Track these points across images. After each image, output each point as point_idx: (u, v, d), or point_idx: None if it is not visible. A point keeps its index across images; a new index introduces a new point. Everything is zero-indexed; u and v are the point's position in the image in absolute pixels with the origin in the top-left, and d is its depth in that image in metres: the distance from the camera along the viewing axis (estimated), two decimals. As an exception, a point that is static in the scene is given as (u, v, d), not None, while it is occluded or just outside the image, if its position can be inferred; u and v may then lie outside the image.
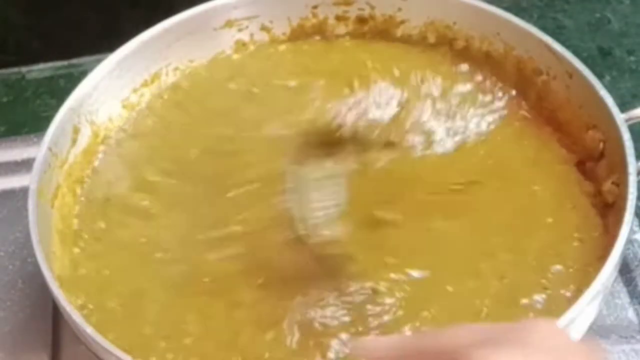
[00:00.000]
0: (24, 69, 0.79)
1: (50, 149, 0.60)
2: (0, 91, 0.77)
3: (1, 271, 0.64)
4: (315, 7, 0.69)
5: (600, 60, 0.76)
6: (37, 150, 0.59)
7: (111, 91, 0.65)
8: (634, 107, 0.60)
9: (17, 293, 0.63)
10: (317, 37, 0.70)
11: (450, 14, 0.67)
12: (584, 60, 0.67)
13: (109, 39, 0.66)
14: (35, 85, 0.78)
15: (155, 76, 0.67)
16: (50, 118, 0.61)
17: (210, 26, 0.68)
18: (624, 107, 0.59)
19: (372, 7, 0.69)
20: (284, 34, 0.70)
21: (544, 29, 0.73)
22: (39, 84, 0.78)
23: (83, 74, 0.64)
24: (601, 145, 0.59)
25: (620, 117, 0.58)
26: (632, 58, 0.76)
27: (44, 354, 0.59)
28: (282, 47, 0.70)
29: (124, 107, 0.66)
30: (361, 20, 0.69)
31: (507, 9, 0.77)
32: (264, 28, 0.70)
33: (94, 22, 0.83)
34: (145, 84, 0.67)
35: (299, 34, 0.70)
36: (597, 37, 0.78)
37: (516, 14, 0.77)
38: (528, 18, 0.78)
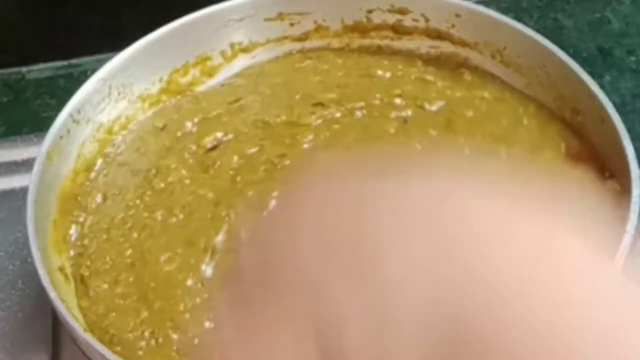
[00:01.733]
0: (24, 69, 0.79)
1: (71, 115, 0.60)
2: (0, 91, 0.77)
3: (1, 271, 0.64)
4: (370, 11, 0.69)
5: (600, 60, 0.76)
6: (38, 151, 0.59)
7: (150, 67, 0.65)
8: (634, 107, 0.60)
9: (17, 293, 0.63)
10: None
11: (501, 37, 0.65)
12: (584, 61, 0.67)
13: (109, 39, 0.67)
14: (35, 85, 0.78)
15: (198, 59, 0.68)
16: (51, 118, 0.61)
17: (260, 16, 0.68)
18: (624, 107, 0.59)
19: (427, 20, 0.68)
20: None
21: (544, 29, 0.74)
22: (39, 84, 0.78)
23: (83, 74, 0.65)
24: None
25: (637, 172, 0.55)
26: (632, 58, 0.76)
27: (44, 354, 0.59)
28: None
29: (160, 85, 0.66)
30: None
31: (507, 9, 0.78)
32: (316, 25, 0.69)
33: (94, 22, 0.83)
34: (186, 66, 0.67)
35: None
36: (597, 37, 0.78)
37: (516, 14, 0.77)
38: (528, 18, 0.79)
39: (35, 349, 0.60)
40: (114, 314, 0.55)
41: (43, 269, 0.53)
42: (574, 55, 0.62)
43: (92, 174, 0.62)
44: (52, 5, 0.83)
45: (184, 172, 0.62)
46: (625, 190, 0.56)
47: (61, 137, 0.60)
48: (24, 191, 0.58)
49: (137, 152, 0.64)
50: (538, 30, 0.64)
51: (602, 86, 0.59)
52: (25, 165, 0.68)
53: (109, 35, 0.67)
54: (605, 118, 0.59)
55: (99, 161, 0.63)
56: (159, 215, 0.59)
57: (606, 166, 0.59)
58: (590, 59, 0.76)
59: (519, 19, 0.67)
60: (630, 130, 0.57)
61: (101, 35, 0.80)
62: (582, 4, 0.81)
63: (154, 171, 0.62)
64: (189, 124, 0.65)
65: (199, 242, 0.57)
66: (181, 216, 0.59)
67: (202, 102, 0.67)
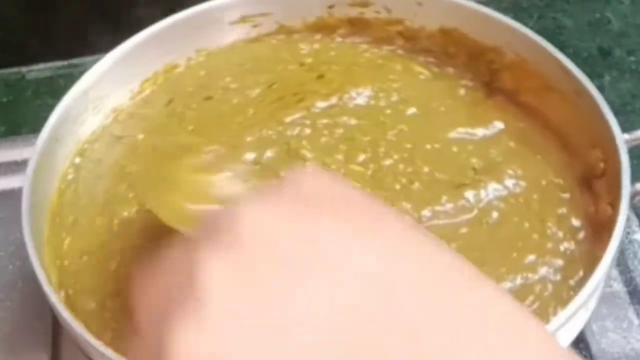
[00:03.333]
0: (24, 69, 0.79)
1: (53, 132, 0.60)
2: (0, 91, 0.78)
3: (1, 271, 0.64)
4: (331, 6, 0.69)
5: (600, 60, 0.76)
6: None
7: (121, 80, 0.65)
8: (634, 107, 0.60)
9: (17, 293, 0.63)
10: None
11: (464, 22, 0.66)
12: (584, 61, 0.67)
13: (109, 39, 0.66)
14: (35, 85, 0.78)
15: (167, 68, 0.67)
16: (51, 118, 0.61)
17: (226, 20, 0.68)
18: (624, 107, 0.59)
19: (389, 11, 0.68)
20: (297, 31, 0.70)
21: (544, 29, 0.74)
22: (39, 84, 0.78)
23: (83, 74, 0.64)
24: (602, 165, 0.58)
25: (621, 137, 0.56)
26: (632, 58, 0.76)
27: (44, 354, 0.59)
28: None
29: (131, 97, 0.66)
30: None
31: (507, 9, 0.78)
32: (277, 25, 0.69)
33: (94, 22, 0.83)
34: (155, 75, 0.67)
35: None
36: (597, 37, 0.78)
37: (516, 14, 0.78)
38: (528, 18, 0.79)
39: (35, 349, 0.60)
40: (109, 334, 0.54)
41: (49, 289, 0.52)
42: (574, 55, 0.62)
43: (67, 192, 0.61)
44: (52, 5, 0.83)
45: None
46: (608, 159, 0.57)
47: (45, 156, 0.59)
48: (24, 191, 0.58)
49: (96, 176, 0.62)
50: (538, 31, 0.64)
51: (602, 86, 0.60)
52: (25, 165, 0.68)
53: (109, 35, 0.67)
54: (581, 90, 0.59)
55: (70, 177, 0.62)
56: (129, 251, 0.57)
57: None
58: (590, 59, 0.76)
59: (519, 19, 0.66)
60: (630, 131, 0.58)
61: (101, 35, 0.80)
62: (582, 4, 0.81)
63: (110, 197, 0.61)
64: (140, 136, 0.64)
65: None
66: None
67: (148, 107, 0.66)
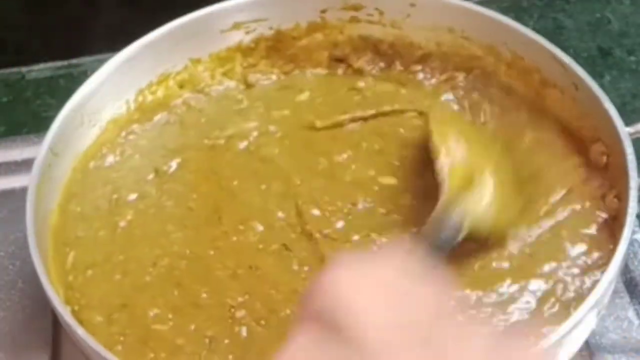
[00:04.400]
0: (24, 69, 0.79)
1: (51, 149, 0.59)
2: (0, 91, 0.77)
3: (1, 271, 0.64)
4: (323, 11, 0.69)
5: (600, 60, 0.76)
6: (38, 151, 0.59)
7: (115, 91, 0.65)
8: (634, 107, 0.60)
9: (17, 293, 0.63)
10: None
11: (458, 22, 0.66)
12: (584, 60, 0.67)
13: (109, 39, 0.67)
14: (35, 85, 0.78)
15: (162, 77, 0.67)
16: (51, 118, 0.61)
17: (217, 28, 0.68)
18: (624, 107, 0.59)
19: (381, 13, 0.68)
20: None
21: (544, 28, 0.74)
22: (39, 84, 0.78)
23: (83, 74, 0.64)
24: (605, 158, 0.58)
25: (624, 131, 0.57)
26: (632, 58, 0.76)
27: (44, 354, 0.59)
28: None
29: (128, 107, 0.66)
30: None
31: (507, 8, 0.78)
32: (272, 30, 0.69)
33: (94, 22, 0.83)
34: (150, 85, 0.67)
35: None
36: (597, 37, 0.78)
37: (516, 14, 0.78)
38: (528, 18, 0.79)
39: (35, 349, 0.60)
40: (119, 347, 0.54)
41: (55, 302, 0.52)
42: (574, 55, 0.62)
43: (69, 207, 0.61)
44: (52, 5, 0.83)
45: (141, 206, 0.61)
46: (611, 152, 0.58)
47: (45, 172, 0.59)
48: (24, 191, 0.58)
49: (103, 183, 0.62)
50: (538, 30, 0.64)
51: (602, 86, 0.60)
52: (25, 165, 0.68)
53: (109, 35, 0.67)
54: (579, 84, 0.59)
55: (73, 190, 0.62)
56: (133, 264, 0.58)
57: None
58: (590, 59, 0.76)
59: (519, 18, 0.67)
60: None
61: (101, 35, 0.80)
62: (582, 4, 0.81)
63: (113, 206, 0.61)
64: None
65: (188, 309, 0.55)
66: (154, 273, 0.57)
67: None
